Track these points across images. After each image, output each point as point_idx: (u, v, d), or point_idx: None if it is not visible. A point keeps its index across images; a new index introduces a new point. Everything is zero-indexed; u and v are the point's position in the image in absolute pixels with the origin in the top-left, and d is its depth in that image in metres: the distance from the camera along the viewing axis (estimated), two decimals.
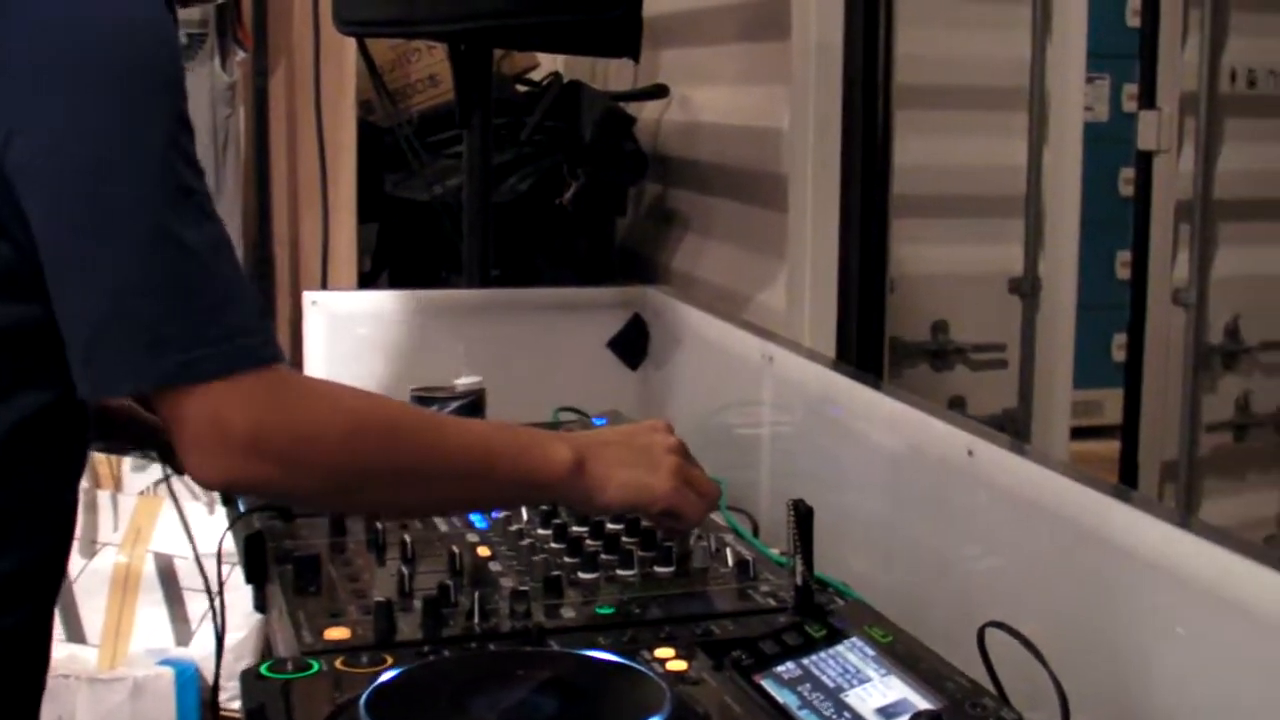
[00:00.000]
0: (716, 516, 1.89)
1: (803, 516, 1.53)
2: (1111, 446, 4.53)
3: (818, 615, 1.50)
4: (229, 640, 3.28)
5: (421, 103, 4.45)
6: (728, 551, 1.73)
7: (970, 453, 1.61)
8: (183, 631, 3.42)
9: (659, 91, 4.53)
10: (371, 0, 2.93)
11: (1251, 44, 4.33)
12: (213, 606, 1.90)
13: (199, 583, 2.97)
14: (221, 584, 1.83)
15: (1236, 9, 4.27)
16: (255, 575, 1.78)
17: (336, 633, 1.51)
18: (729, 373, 2.37)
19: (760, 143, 3.85)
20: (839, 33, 3.50)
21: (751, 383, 2.25)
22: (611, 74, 4.84)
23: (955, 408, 4.08)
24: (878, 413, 1.87)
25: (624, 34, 2.96)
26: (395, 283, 4.45)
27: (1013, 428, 4.14)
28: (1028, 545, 1.55)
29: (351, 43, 4.07)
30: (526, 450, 1.52)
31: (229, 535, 1.85)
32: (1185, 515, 1.36)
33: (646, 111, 4.67)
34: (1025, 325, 4.17)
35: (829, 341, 3.52)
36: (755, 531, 1.92)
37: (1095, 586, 1.43)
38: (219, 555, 1.80)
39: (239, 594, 1.85)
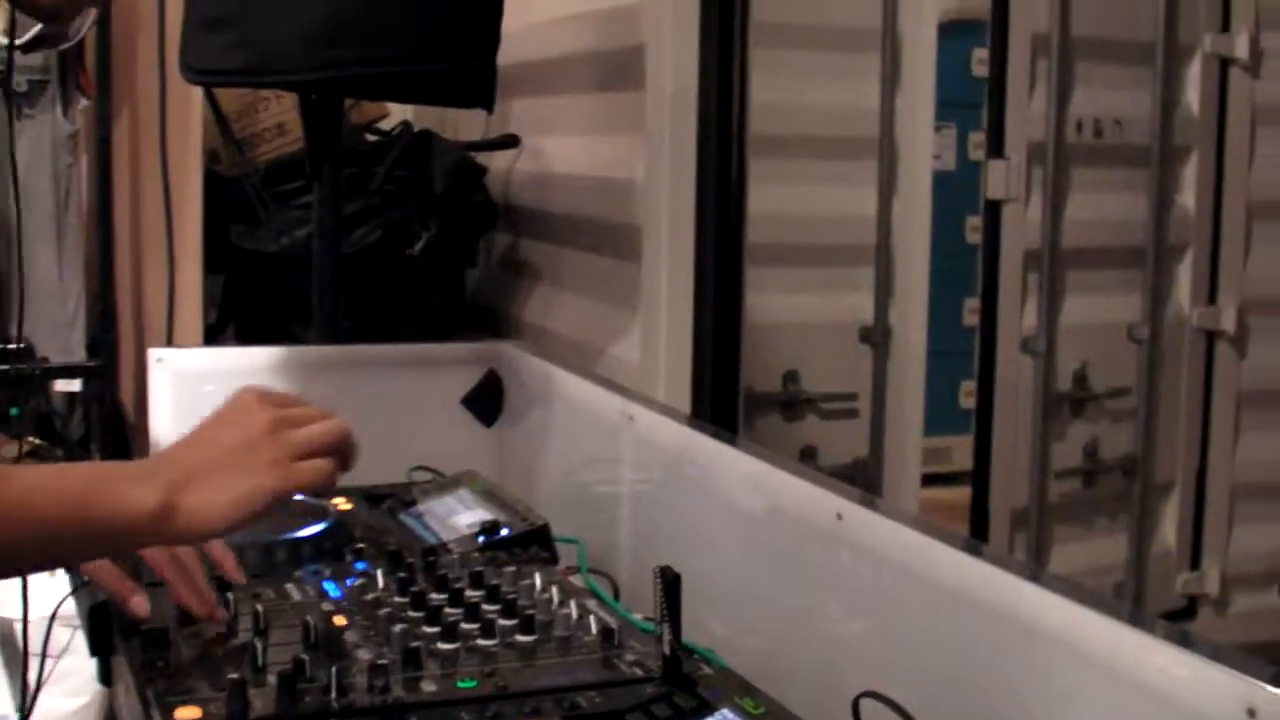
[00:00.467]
0: (577, 579, 1.86)
1: (670, 584, 1.50)
2: (961, 493, 4.58)
3: (686, 686, 1.48)
4: (71, 705, 3.20)
5: (269, 152, 4.39)
6: (591, 619, 1.70)
7: (839, 516, 1.60)
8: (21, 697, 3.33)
9: (510, 141, 4.52)
10: (220, 49, 2.86)
11: (1097, 94, 4.41)
12: (24, 680, 1.83)
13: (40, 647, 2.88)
14: (45, 653, 1.77)
15: (1082, 60, 4.35)
16: (100, 648, 1.72)
17: (187, 712, 1.46)
18: (588, 431, 2.35)
19: (614, 193, 3.84)
20: (694, 82, 3.51)
21: (610, 441, 2.23)
22: (462, 123, 4.82)
23: (807, 458, 4.10)
24: (737, 471, 1.86)
25: (478, 85, 2.94)
26: (242, 335, 4.37)
27: (864, 477, 4.16)
28: (896, 608, 1.54)
29: (198, 90, 4.00)
30: (97, 498, 1.36)
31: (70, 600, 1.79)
32: (1081, 589, 1.35)
33: (498, 161, 4.65)
34: (876, 374, 4.20)
35: (684, 393, 3.52)
36: (616, 594, 1.90)
37: (967, 650, 1.42)
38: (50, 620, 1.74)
39: (82, 655, 1.79)
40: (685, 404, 3.49)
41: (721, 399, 3.61)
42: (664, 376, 3.54)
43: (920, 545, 1.48)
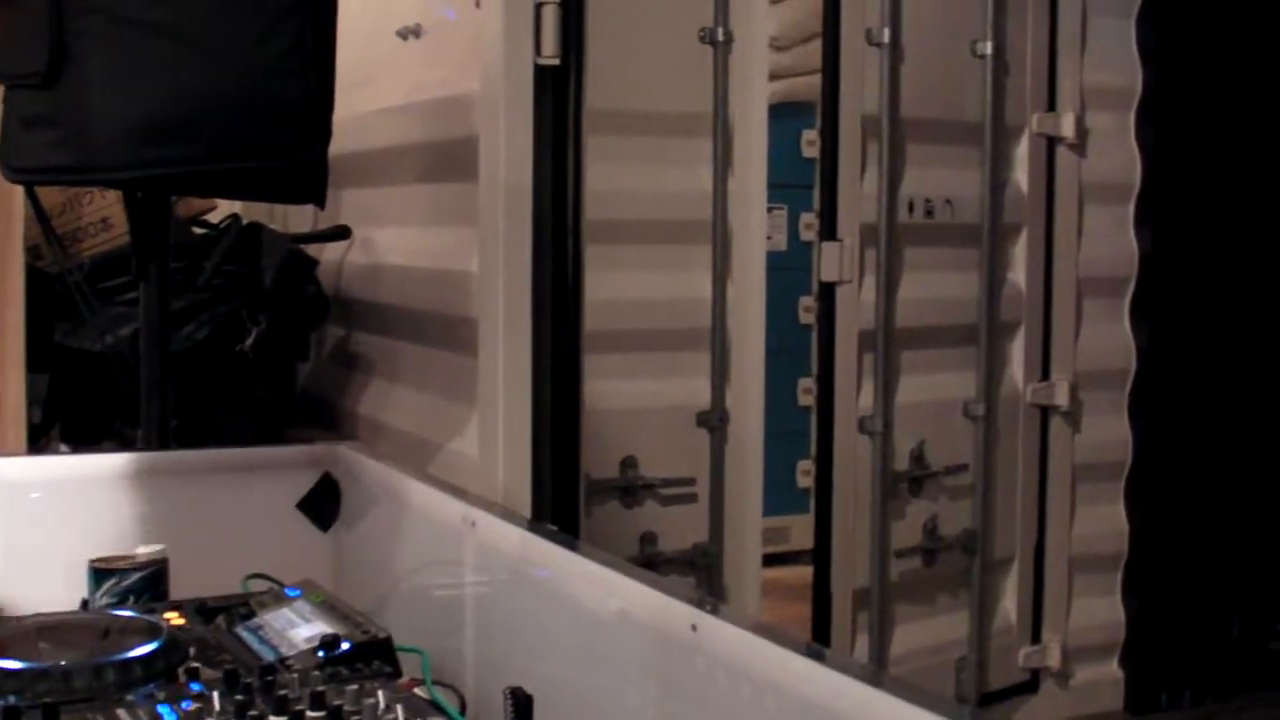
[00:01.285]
0: (421, 692, 1.83)
1: (521, 705, 1.49)
2: (800, 572, 4.61)
3: None
4: None
5: (94, 247, 4.30)
6: None
7: (694, 628, 1.58)
8: None
9: (342, 233, 4.48)
10: (41, 147, 2.80)
11: (928, 175, 4.50)
12: None
13: None
14: None
15: (912, 141, 4.43)
16: None
17: None
18: (428, 536, 2.32)
19: (448, 285, 3.82)
20: (528, 172, 3.51)
21: (452, 547, 2.20)
22: (292, 215, 4.77)
23: (647, 544, 4.09)
24: (584, 576, 1.84)
25: (309, 181, 2.90)
26: (68, 436, 4.27)
27: (704, 561, 4.16)
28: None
29: (19, 187, 3.91)
30: None
31: None
32: (923, 694, 1.35)
33: (329, 253, 4.61)
34: (714, 457, 4.20)
35: (524, 486, 3.49)
36: (463, 708, 1.87)
37: None
38: None
39: None
40: (526, 497, 3.46)
41: (562, 490, 3.60)
42: (503, 470, 3.52)
43: (774, 655, 1.47)
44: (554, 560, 1.94)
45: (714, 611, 1.59)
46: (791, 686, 1.45)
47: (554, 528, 2.10)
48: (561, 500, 3.56)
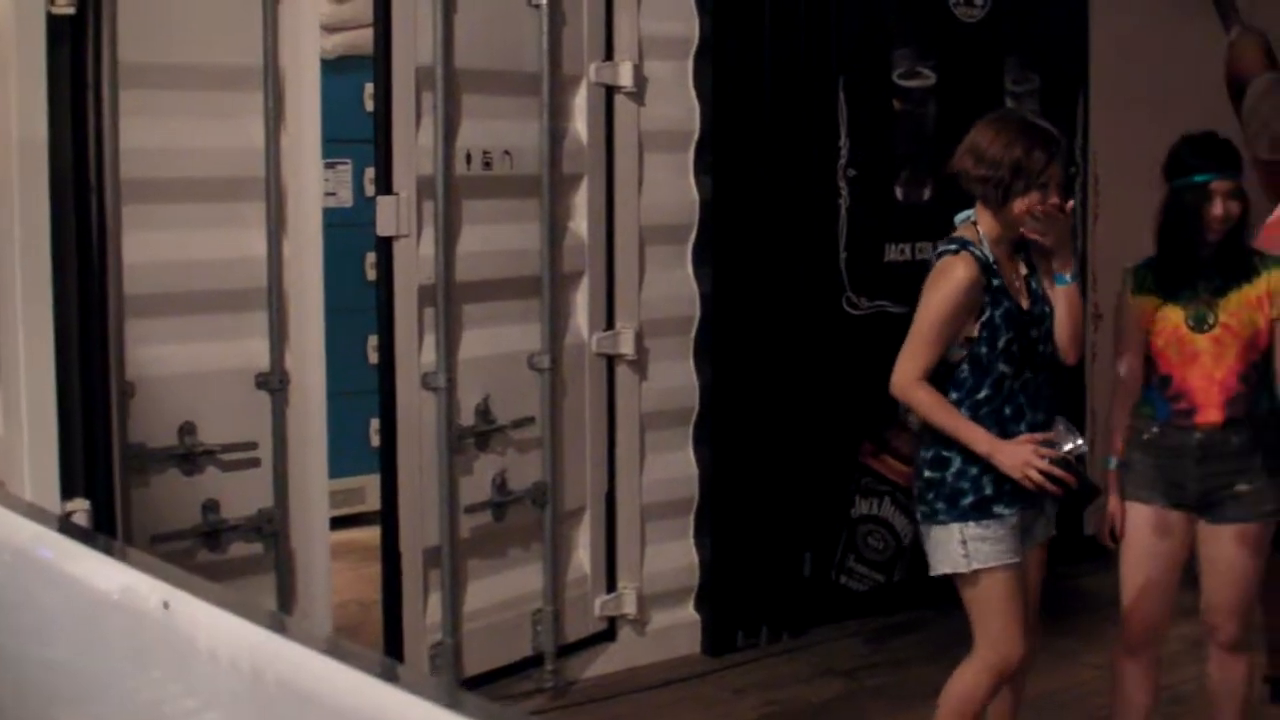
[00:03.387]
0: None
1: None
2: (374, 533, 4.61)
3: None
4: None
5: None
6: None
7: (166, 605, 1.56)
8: None
9: None
10: None
11: (486, 126, 4.52)
12: None
13: None
14: None
15: (469, 92, 4.44)
16: None
17: None
18: None
19: None
20: (43, 129, 3.38)
21: None
22: None
23: (210, 513, 4.04)
24: (71, 556, 1.80)
25: None
26: None
27: (270, 527, 4.13)
28: None
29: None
30: None
31: None
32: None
33: None
34: (276, 420, 4.16)
35: (52, 462, 3.38)
36: None
37: None
38: None
39: None
40: (54, 474, 3.36)
41: (94, 462, 3.51)
42: (29, 447, 3.40)
43: (242, 631, 1.46)
44: (49, 542, 1.89)
45: (188, 588, 1.57)
46: (256, 659, 1.44)
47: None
48: (95, 474, 3.46)
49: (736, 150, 5.11)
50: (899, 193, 5.52)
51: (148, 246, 3.83)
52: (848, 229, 5.39)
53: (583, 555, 4.88)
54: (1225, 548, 4.00)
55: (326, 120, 4.22)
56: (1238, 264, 3.96)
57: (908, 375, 3.72)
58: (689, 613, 5.19)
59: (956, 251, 3.70)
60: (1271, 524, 4.02)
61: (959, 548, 3.73)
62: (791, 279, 5.23)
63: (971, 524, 3.71)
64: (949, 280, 3.70)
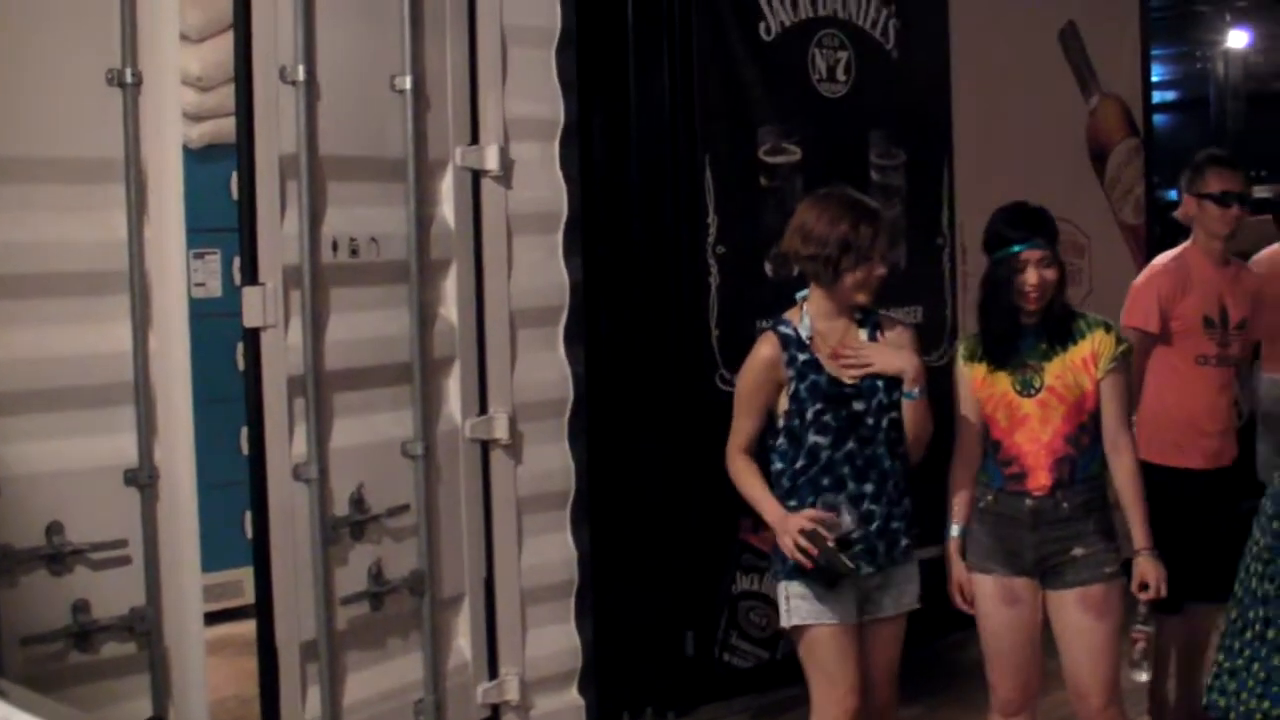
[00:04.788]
0: None
1: None
2: (252, 627, 4.58)
3: None
4: None
5: None
6: None
7: None
8: None
9: None
10: None
11: (352, 213, 4.53)
12: None
13: None
14: None
15: (334, 179, 4.46)
16: None
17: None
18: None
19: None
20: None
21: None
22: None
23: (80, 613, 3.99)
24: None
25: None
26: None
27: (142, 626, 4.09)
28: None
29: None
30: None
31: None
32: None
33: None
34: (145, 516, 4.13)
35: None
36: None
37: None
38: None
39: None
40: None
41: None
42: None
43: None
44: None
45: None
46: None
47: None
48: None
49: (606, 230, 5.18)
50: (768, 269, 5.60)
51: (9, 343, 3.82)
52: (718, 306, 5.47)
53: (463, 642, 4.87)
54: (1071, 614, 4.11)
55: (194, 210, 4.23)
56: (1060, 328, 4.11)
57: (729, 447, 4.17)
58: (573, 696, 5.19)
59: (769, 329, 4.08)
60: (1116, 585, 4.12)
61: (784, 603, 4.10)
62: (664, 357, 5.29)
63: (795, 582, 4.05)
64: (750, 357, 4.13)
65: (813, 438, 4.04)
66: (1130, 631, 4.17)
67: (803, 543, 3.93)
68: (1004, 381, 4.12)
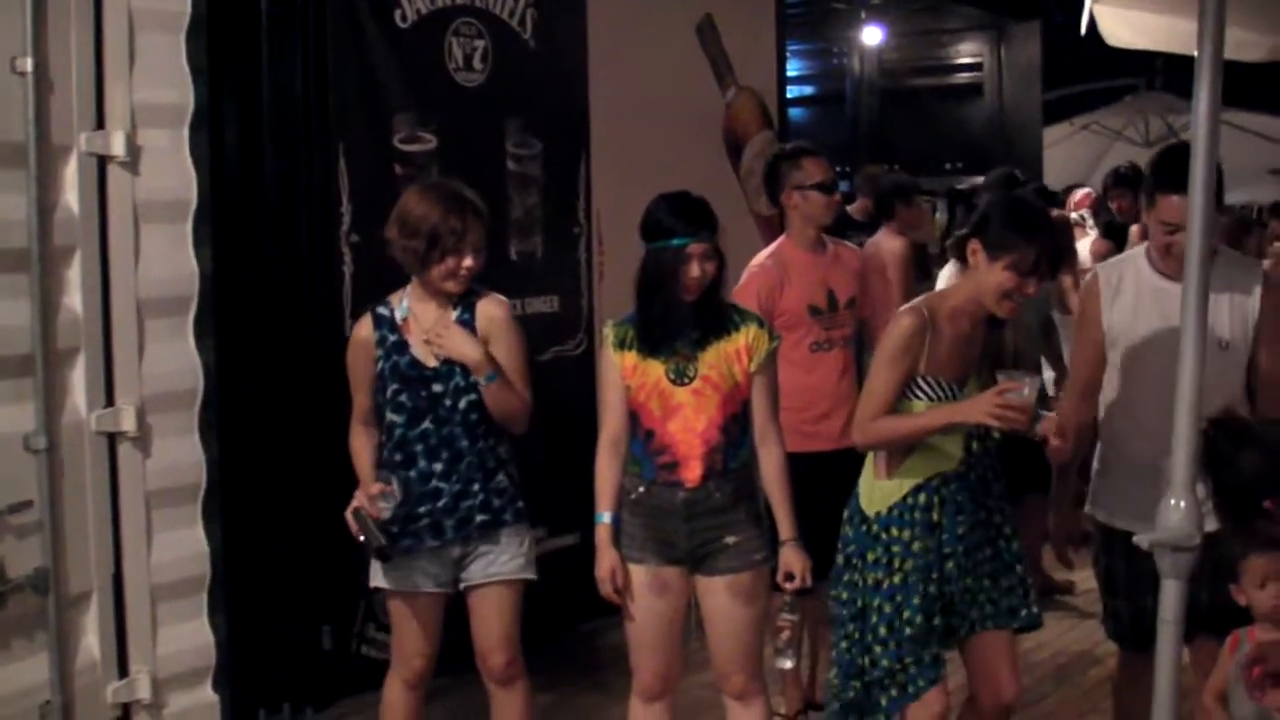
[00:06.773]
0: None
1: None
2: None
3: None
4: None
5: None
6: None
7: None
8: None
9: None
10: None
11: None
12: None
13: None
14: None
15: None
16: None
17: None
18: None
19: None
20: None
21: None
22: None
23: None
24: None
25: None
26: None
27: None
28: None
29: None
30: None
31: None
32: None
33: None
34: None
35: None
36: None
37: None
38: None
39: None
40: None
41: None
42: None
43: None
44: None
45: None
46: None
47: None
48: None
49: (236, 220, 5.17)
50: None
51: None
52: (353, 295, 5.52)
53: (91, 641, 4.79)
54: (720, 600, 4.26)
55: None
56: (715, 318, 4.24)
57: (351, 421, 4.52)
58: (207, 693, 5.14)
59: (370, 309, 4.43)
60: (764, 570, 4.30)
61: (372, 566, 4.51)
62: (297, 347, 5.30)
63: None
64: (351, 336, 4.52)
65: (390, 416, 4.37)
66: (775, 620, 4.34)
67: (348, 518, 4.27)
68: (657, 370, 4.20)
